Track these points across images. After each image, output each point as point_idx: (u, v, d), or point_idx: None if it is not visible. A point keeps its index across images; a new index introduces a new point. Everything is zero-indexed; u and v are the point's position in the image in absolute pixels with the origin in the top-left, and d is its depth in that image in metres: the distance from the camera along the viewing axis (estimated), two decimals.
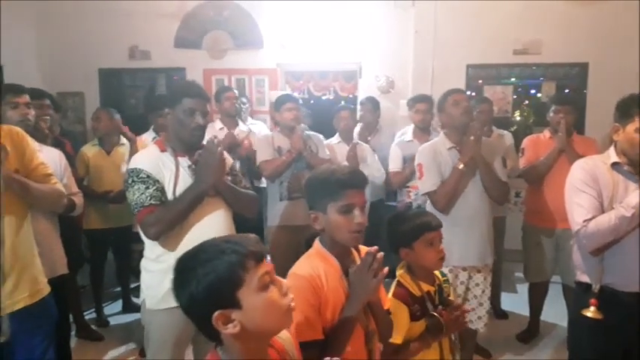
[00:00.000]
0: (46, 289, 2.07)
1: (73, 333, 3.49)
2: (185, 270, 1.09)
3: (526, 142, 3.63)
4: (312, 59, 5.49)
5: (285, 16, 5.44)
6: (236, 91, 4.39)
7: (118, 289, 4.34)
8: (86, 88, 5.71)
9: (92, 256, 3.98)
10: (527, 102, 5.39)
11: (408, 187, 3.69)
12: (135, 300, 4.13)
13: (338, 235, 1.54)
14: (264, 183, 4.02)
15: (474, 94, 5.18)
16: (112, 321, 3.98)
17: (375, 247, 1.47)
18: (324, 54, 5.45)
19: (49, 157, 2.48)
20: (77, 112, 5.71)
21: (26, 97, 2.53)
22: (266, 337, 1.16)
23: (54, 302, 2.12)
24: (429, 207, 2.78)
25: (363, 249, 1.62)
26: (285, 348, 1.28)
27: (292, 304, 1.12)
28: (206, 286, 1.04)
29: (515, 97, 5.34)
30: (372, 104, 4.46)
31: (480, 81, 5.34)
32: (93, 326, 3.79)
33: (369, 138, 4.26)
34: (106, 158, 3.88)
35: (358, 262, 1.57)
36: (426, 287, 1.95)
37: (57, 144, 3.25)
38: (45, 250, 2.23)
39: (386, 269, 1.47)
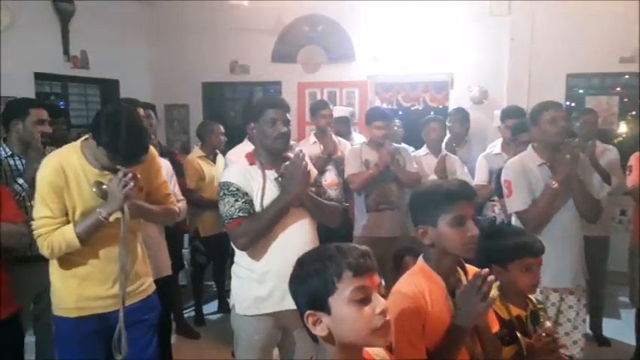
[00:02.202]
0: (152, 288, 2.29)
1: (173, 330, 3.76)
2: (298, 265, 1.17)
3: (634, 158, 3.41)
4: (403, 70, 5.50)
5: (377, 28, 5.50)
6: (332, 107, 4.43)
7: (214, 288, 4.61)
8: (191, 100, 6.15)
9: (207, 261, 4.23)
10: (634, 113, 5.00)
11: (493, 200, 3.59)
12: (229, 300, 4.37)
13: (451, 248, 1.51)
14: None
15: (573, 104, 4.91)
16: (208, 320, 4.25)
17: (486, 270, 1.44)
18: (415, 65, 5.43)
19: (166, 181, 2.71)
20: (182, 123, 6.17)
21: (140, 110, 2.76)
22: (354, 349, 1.15)
23: (158, 300, 2.33)
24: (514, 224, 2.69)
25: (471, 269, 1.60)
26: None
27: (383, 323, 1.10)
28: (304, 285, 1.12)
29: (620, 108, 4.98)
30: (462, 115, 4.39)
31: (581, 91, 5.04)
32: (191, 325, 4.07)
33: (456, 149, 4.19)
34: (212, 167, 4.15)
35: (464, 281, 1.54)
36: (515, 311, 1.85)
37: (167, 153, 3.55)
38: (152, 253, 2.45)
39: (496, 293, 1.43)
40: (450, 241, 1.49)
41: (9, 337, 2.24)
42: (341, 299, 1.09)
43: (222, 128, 4.24)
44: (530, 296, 1.93)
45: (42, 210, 1.98)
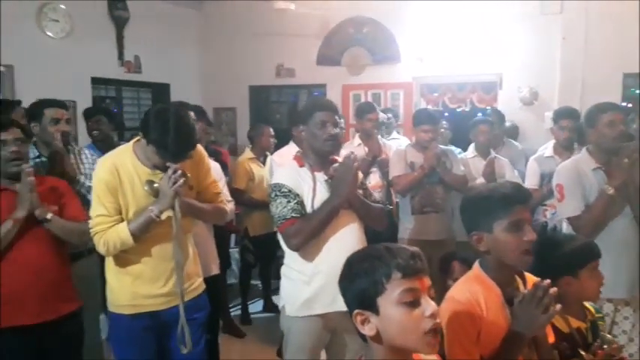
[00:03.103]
0: (202, 287, 2.34)
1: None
2: (347, 264, 1.17)
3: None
4: (450, 71, 5.43)
5: (423, 29, 5.45)
6: (379, 110, 4.42)
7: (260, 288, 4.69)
8: (238, 103, 6.28)
9: (255, 260, 4.33)
10: None
11: (544, 205, 3.49)
12: (274, 298, 4.41)
13: (508, 257, 1.46)
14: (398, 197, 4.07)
15: (630, 105, 4.70)
16: (253, 319, 4.33)
17: (548, 281, 1.39)
18: (462, 65, 5.35)
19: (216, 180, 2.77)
20: (230, 126, 6.31)
21: (191, 114, 2.86)
22: (403, 351, 1.13)
23: (208, 300, 2.38)
24: (565, 230, 2.61)
25: (530, 278, 1.56)
26: None
27: (432, 326, 1.08)
28: (353, 284, 1.12)
29: None
30: (498, 117, 4.32)
31: (638, 91, 4.82)
32: (237, 324, 4.16)
33: (492, 151, 4.08)
34: (262, 169, 4.24)
35: (522, 290, 1.50)
36: (575, 323, 1.76)
37: (213, 153, 3.64)
38: (201, 252, 2.50)
39: (559, 306, 1.37)
40: (506, 247, 1.45)
41: (71, 332, 2.30)
42: (389, 300, 1.08)
43: (272, 131, 4.33)
44: (587, 305, 1.86)
45: (98, 209, 2.06)
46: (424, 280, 1.11)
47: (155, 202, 2.04)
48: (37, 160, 2.74)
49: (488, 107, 5.51)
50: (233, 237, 4.83)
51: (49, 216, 2.15)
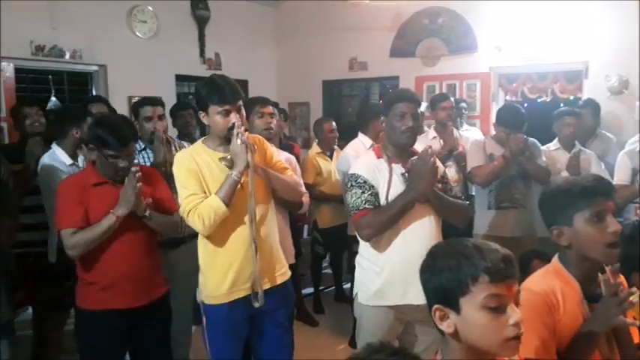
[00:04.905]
0: (288, 274, 2.38)
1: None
2: (431, 256, 1.13)
3: None
4: (530, 60, 5.21)
5: (501, 17, 5.28)
6: (452, 99, 4.35)
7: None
8: (311, 98, 6.39)
9: (324, 251, 4.43)
10: None
11: (636, 202, 3.27)
12: (345, 287, 4.47)
13: (590, 250, 1.42)
14: (473, 191, 3.99)
15: None
16: (326, 308, 4.40)
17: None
18: (543, 54, 5.12)
19: (283, 159, 2.87)
20: (303, 120, 6.44)
21: (270, 108, 2.92)
22: (481, 352, 1.08)
23: (292, 286, 2.44)
24: None
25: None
26: None
27: (515, 335, 1.04)
28: (437, 279, 1.08)
29: None
30: (593, 108, 4.06)
31: None
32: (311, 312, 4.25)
33: (577, 144, 3.86)
34: (329, 163, 4.29)
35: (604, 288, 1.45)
36: None
37: (287, 147, 3.74)
38: (279, 240, 2.61)
39: (636, 299, 1.34)
40: (588, 240, 1.40)
41: (160, 315, 2.46)
42: (473, 303, 1.04)
43: (333, 125, 4.33)
44: None
45: (185, 191, 2.16)
46: (513, 286, 1.05)
47: (233, 168, 2.12)
48: (143, 152, 3.04)
49: (571, 97, 5.24)
50: (305, 228, 4.94)
51: (147, 213, 2.30)
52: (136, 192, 2.21)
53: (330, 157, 4.33)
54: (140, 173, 2.23)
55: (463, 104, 4.78)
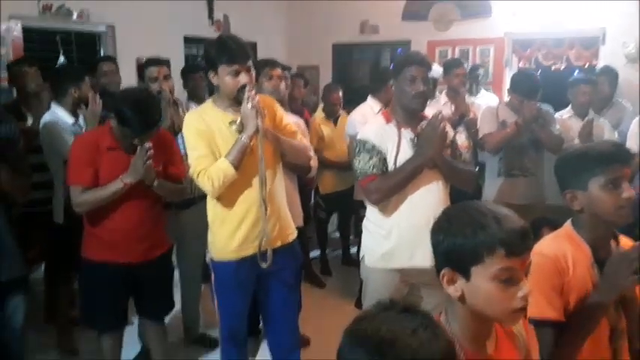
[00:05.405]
0: (295, 234, 2.42)
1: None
2: (445, 217, 1.11)
3: None
4: (546, 26, 5.09)
5: None
6: (466, 65, 4.29)
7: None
8: (321, 61, 6.31)
9: (327, 216, 4.48)
10: None
11: None
12: (352, 252, 4.50)
13: (603, 214, 1.41)
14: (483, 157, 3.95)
15: None
16: (333, 271, 4.46)
17: None
18: (559, 20, 4.99)
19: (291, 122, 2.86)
20: (312, 84, 6.35)
21: (279, 71, 2.90)
22: (484, 318, 1.09)
23: (299, 247, 2.48)
24: None
25: (626, 243, 1.50)
26: (513, 329, 1.22)
27: (521, 307, 1.04)
28: (450, 243, 1.06)
29: None
30: (610, 76, 3.97)
31: None
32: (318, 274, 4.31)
33: (591, 112, 3.79)
34: (333, 129, 4.26)
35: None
36: None
37: (297, 111, 3.71)
38: (287, 203, 2.62)
39: None
40: (602, 204, 1.40)
41: (162, 270, 2.55)
42: (485, 273, 1.02)
43: (340, 95, 4.28)
44: None
45: (194, 153, 2.17)
46: (526, 260, 1.04)
47: (243, 132, 2.12)
48: None
49: (587, 64, 5.14)
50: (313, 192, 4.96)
51: (155, 183, 2.33)
52: (145, 167, 2.23)
53: (335, 122, 4.29)
54: (152, 150, 2.24)
55: (480, 71, 4.67)
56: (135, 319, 2.91)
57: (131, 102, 2.26)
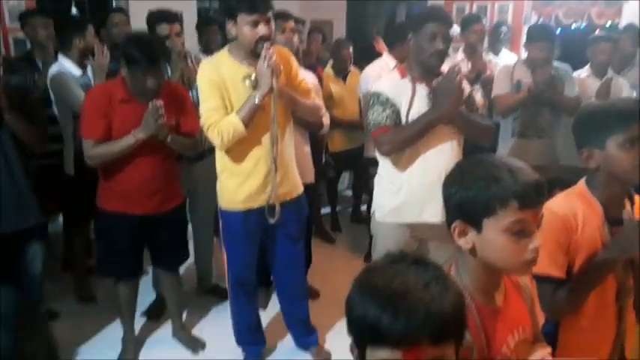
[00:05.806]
0: (301, 189, 2.48)
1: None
2: (459, 170, 1.11)
3: None
4: None
5: None
6: (485, 21, 4.15)
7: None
8: (335, 16, 6.16)
9: (336, 174, 4.47)
10: None
11: None
12: (362, 210, 4.53)
13: (620, 172, 1.39)
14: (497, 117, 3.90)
15: None
16: (343, 227, 4.51)
17: None
18: None
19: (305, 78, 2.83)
20: (326, 40, 6.24)
21: (292, 24, 2.86)
22: (494, 270, 1.10)
23: (306, 202, 2.53)
24: None
25: None
26: (519, 281, 1.25)
27: (532, 259, 1.05)
28: (462, 195, 1.06)
29: None
30: (633, 34, 3.83)
31: None
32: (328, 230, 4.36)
33: (610, 71, 3.69)
34: (342, 87, 4.18)
35: (630, 214, 1.44)
36: None
37: (310, 66, 3.65)
38: (297, 160, 2.59)
39: None
40: (620, 163, 1.38)
41: (175, 222, 2.60)
42: (497, 225, 1.03)
43: (350, 47, 4.19)
44: None
45: (207, 104, 2.19)
46: (539, 213, 1.05)
47: (256, 90, 2.13)
48: None
49: (609, 22, 4.98)
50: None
51: (169, 139, 2.35)
52: (157, 123, 2.24)
53: (344, 79, 4.22)
54: (163, 109, 2.23)
55: (503, 28, 4.43)
56: (149, 269, 3.00)
57: (135, 39, 2.29)
